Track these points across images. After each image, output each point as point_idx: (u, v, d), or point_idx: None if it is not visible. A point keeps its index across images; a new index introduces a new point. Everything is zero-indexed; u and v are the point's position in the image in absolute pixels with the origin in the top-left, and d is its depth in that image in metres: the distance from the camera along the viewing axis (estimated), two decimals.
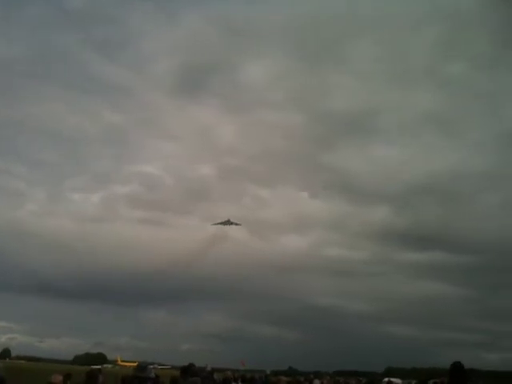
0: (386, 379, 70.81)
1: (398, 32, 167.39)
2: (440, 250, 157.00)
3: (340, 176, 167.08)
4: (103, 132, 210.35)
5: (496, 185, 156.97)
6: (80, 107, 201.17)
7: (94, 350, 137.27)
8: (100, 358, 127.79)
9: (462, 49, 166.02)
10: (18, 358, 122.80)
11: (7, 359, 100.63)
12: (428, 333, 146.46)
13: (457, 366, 7.12)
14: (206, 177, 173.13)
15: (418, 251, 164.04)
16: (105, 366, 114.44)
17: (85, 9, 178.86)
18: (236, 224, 59.94)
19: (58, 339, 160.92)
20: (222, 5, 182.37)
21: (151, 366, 7.24)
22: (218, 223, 60.00)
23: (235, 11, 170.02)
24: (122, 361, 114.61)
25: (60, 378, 8.38)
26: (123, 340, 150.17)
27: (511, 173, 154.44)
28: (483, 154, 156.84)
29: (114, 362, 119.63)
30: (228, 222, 58.75)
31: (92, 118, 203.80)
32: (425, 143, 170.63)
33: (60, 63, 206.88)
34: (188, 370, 9.93)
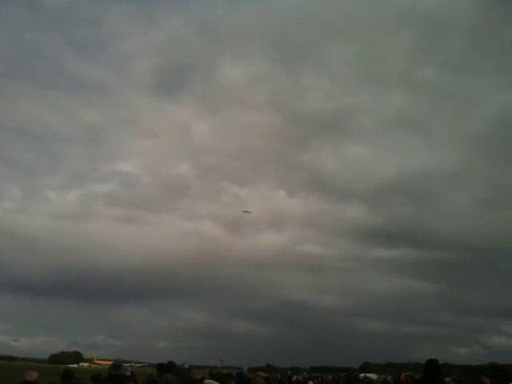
0: (362, 375, 71.96)
1: (373, 36, 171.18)
2: (412, 246, 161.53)
3: (315, 175, 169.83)
4: (81, 130, 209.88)
5: (465, 184, 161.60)
6: (58, 106, 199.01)
7: (70, 349, 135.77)
8: (76, 357, 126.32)
9: (434, 53, 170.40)
10: None
11: None
12: (402, 328, 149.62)
13: (431, 363, 7.33)
14: (184, 175, 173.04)
15: (391, 248, 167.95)
16: (81, 364, 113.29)
17: (64, 9, 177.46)
18: (250, 212, 76.13)
19: (33, 338, 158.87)
20: (202, 7, 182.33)
21: (127, 364, 7.20)
22: (244, 211, 75.29)
23: (214, 13, 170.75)
24: (98, 359, 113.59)
25: (35, 374, 8.31)
26: (99, 338, 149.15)
27: (480, 172, 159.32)
28: (453, 154, 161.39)
29: (91, 361, 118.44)
30: (247, 211, 73.65)
31: (70, 116, 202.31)
32: (397, 143, 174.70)
33: (38, 62, 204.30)
34: (164, 368, 9.89)
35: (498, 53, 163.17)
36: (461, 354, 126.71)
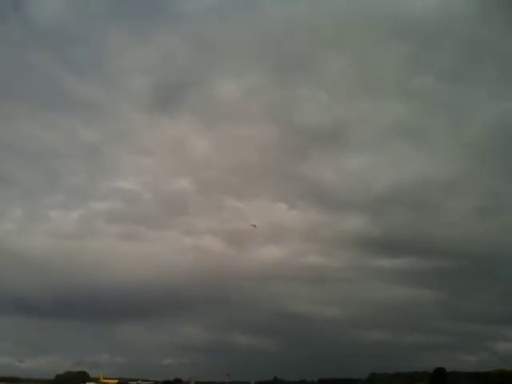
0: None
1: (369, 47, 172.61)
2: (412, 255, 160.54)
3: (315, 186, 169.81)
4: (79, 149, 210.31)
5: (463, 192, 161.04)
6: (56, 125, 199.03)
7: (75, 368, 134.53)
8: (82, 377, 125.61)
9: (429, 63, 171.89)
10: None
11: None
12: (406, 337, 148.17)
13: (438, 372, 7.44)
14: (183, 190, 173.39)
15: (392, 257, 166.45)
16: (87, 383, 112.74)
17: (60, 28, 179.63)
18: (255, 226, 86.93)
19: (38, 358, 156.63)
20: (195, 22, 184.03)
21: (134, 382, 7.28)
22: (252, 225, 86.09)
23: (208, 27, 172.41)
24: (104, 378, 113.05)
25: None
26: (104, 357, 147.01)
27: (477, 180, 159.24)
28: (451, 163, 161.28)
29: (97, 380, 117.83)
30: (254, 225, 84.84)
31: (68, 135, 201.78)
32: (395, 153, 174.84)
33: (35, 81, 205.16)
34: None
35: (495, 61, 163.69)
36: (469, 361, 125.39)
